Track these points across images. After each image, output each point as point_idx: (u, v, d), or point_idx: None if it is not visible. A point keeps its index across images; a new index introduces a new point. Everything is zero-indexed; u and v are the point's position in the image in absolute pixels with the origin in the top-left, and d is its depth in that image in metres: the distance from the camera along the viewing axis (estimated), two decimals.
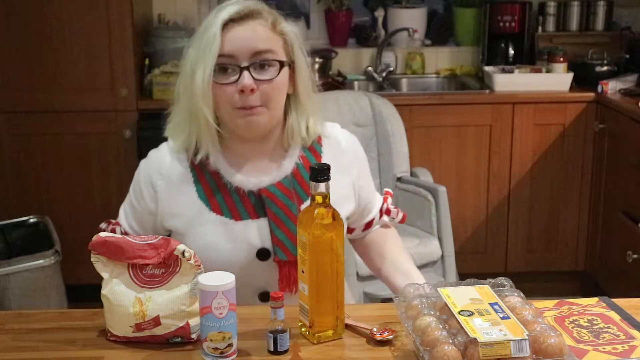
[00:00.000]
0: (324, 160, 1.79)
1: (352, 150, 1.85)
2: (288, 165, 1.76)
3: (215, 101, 1.68)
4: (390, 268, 1.86)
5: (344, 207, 1.79)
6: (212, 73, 1.65)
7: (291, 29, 1.73)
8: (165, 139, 1.81)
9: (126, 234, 1.79)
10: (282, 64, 1.69)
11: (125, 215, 1.84)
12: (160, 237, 1.59)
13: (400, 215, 1.98)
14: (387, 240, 1.94)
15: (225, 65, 1.66)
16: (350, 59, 4.30)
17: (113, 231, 1.80)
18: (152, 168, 1.77)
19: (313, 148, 1.80)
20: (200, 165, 1.74)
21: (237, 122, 1.69)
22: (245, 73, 1.65)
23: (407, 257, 1.90)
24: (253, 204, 1.74)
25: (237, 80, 1.66)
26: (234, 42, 1.65)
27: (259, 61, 1.66)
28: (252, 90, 1.65)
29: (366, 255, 1.96)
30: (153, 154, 1.80)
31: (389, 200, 1.97)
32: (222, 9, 1.68)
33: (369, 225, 1.94)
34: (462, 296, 1.51)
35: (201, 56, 1.66)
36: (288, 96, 1.75)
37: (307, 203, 1.65)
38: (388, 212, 1.96)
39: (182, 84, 1.72)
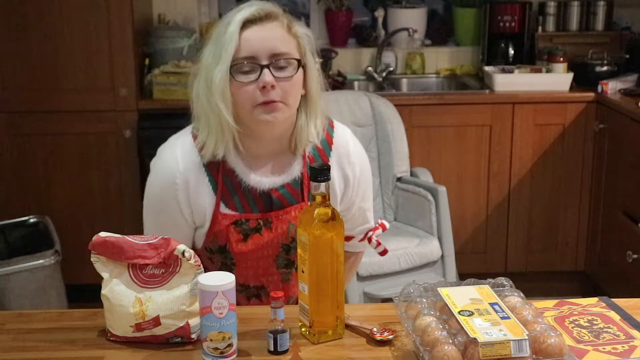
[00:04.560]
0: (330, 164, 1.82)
1: (360, 166, 1.89)
2: (297, 167, 1.81)
3: (234, 100, 1.71)
4: None
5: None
6: (230, 72, 1.68)
7: (304, 31, 1.78)
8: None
9: None
10: (299, 63, 1.73)
11: None
12: (160, 237, 1.59)
13: (381, 248, 2.03)
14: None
15: (245, 66, 1.69)
16: (350, 59, 4.30)
17: None
18: (169, 182, 1.77)
19: (323, 152, 1.84)
20: (215, 164, 1.77)
21: (259, 118, 1.71)
22: (266, 71, 1.69)
23: None
24: (264, 202, 1.79)
25: (257, 78, 1.69)
26: (253, 43, 1.70)
27: (277, 60, 1.70)
28: (272, 87, 1.69)
29: None
30: (161, 165, 1.80)
31: (378, 231, 1.99)
32: (240, 10, 1.72)
33: (347, 239, 1.95)
34: (462, 296, 1.51)
35: (219, 55, 1.69)
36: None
37: None
38: (370, 240, 1.99)
39: (200, 84, 1.74)
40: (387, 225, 2.03)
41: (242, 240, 1.78)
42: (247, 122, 1.74)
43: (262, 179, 1.78)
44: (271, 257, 1.82)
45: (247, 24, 1.70)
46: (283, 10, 1.77)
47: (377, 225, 2.00)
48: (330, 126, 1.87)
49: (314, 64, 1.78)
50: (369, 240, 1.99)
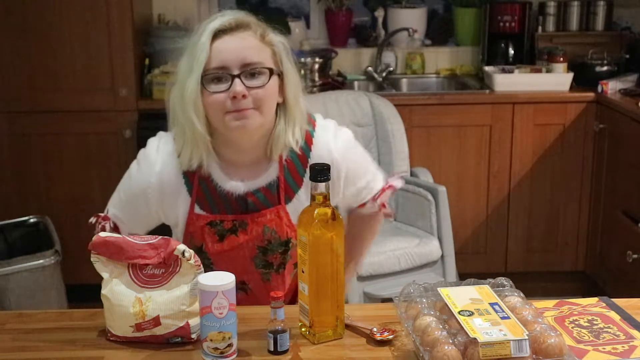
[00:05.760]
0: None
1: (342, 157, 1.83)
2: (273, 172, 1.80)
3: (206, 110, 1.71)
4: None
5: None
6: (202, 82, 1.69)
7: (279, 39, 1.77)
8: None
9: (116, 227, 1.86)
10: (271, 72, 1.72)
11: (115, 214, 1.90)
12: (160, 237, 1.59)
13: (386, 211, 1.97)
14: (364, 231, 1.99)
15: (217, 76, 1.70)
16: (350, 59, 4.30)
17: (103, 228, 1.85)
18: (144, 176, 1.82)
19: (303, 153, 1.81)
20: (191, 170, 1.78)
21: (230, 125, 1.70)
22: (237, 80, 1.68)
23: (359, 254, 2.03)
24: (240, 205, 1.79)
25: (228, 88, 1.69)
26: (225, 53, 1.69)
27: (249, 69, 1.70)
28: (243, 96, 1.68)
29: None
30: (143, 159, 1.84)
31: (385, 194, 1.93)
32: (211, 20, 1.72)
33: (361, 206, 1.94)
34: (462, 296, 1.51)
35: (191, 66, 1.70)
36: (277, 105, 1.77)
37: (290, 205, 1.77)
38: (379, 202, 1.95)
39: (175, 94, 1.75)
40: (398, 185, 1.95)
41: (218, 240, 1.80)
42: (221, 130, 1.74)
43: (238, 184, 1.79)
44: (248, 257, 1.82)
45: (218, 33, 1.70)
46: (257, 19, 1.76)
47: (384, 187, 1.93)
48: (312, 125, 1.84)
49: (292, 71, 1.76)
50: (380, 204, 1.93)
